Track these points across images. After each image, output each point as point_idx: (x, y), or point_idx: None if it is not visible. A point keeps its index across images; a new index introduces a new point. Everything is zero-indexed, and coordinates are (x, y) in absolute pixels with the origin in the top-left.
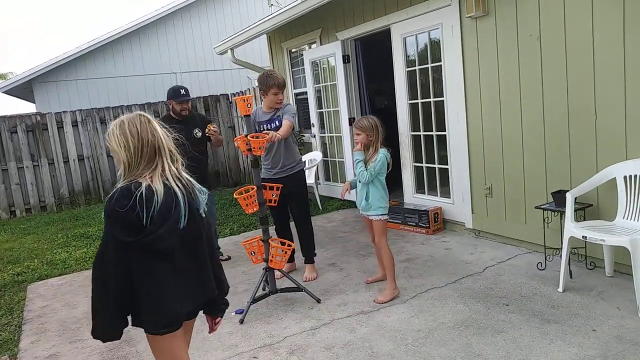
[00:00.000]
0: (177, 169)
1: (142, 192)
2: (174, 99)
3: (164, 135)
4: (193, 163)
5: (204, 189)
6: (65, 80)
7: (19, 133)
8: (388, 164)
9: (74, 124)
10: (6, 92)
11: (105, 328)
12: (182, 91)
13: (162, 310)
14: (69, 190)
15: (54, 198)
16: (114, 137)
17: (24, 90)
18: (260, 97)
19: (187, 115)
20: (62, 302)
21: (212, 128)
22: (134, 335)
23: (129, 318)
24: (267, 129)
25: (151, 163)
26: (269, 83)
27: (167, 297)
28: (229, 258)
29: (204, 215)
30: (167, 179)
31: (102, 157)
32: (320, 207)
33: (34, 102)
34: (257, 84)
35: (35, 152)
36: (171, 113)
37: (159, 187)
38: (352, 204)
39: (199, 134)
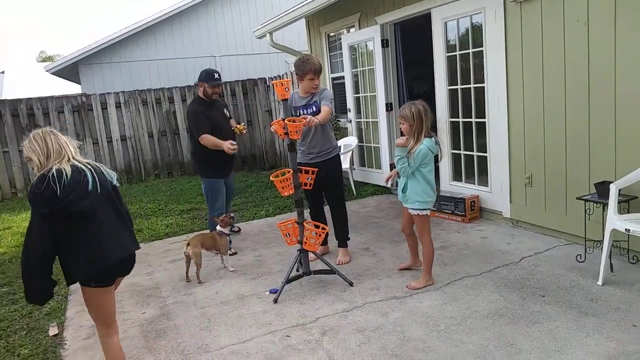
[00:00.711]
0: (77, 157)
1: (53, 173)
2: (208, 82)
3: (67, 141)
4: (233, 140)
5: (111, 172)
6: (109, 62)
7: (65, 113)
8: (435, 156)
9: (117, 105)
10: (54, 74)
11: (38, 293)
12: (216, 75)
13: (92, 261)
14: (112, 169)
15: None
16: (27, 146)
17: (70, 71)
18: (297, 82)
19: (215, 98)
20: None
21: (242, 129)
22: (173, 309)
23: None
24: (304, 114)
25: (58, 158)
26: (305, 68)
27: (96, 250)
28: (239, 230)
29: (116, 185)
30: (74, 163)
31: (143, 138)
32: (355, 193)
33: (80, 84)
34: (293, 69)
35: (80, 132)
36: (201, 95)
37: (67, 168)
38: (386, 190)
39: (228, 114)
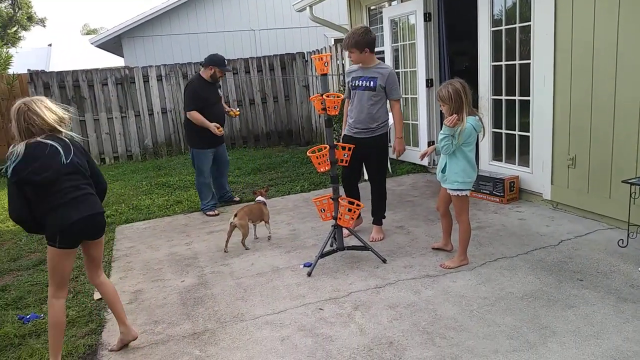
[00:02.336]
0: (57, 134)
1: (11, 151)
2: (220, 67)
3: (44, 114)
4: (222, 116)
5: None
6: (151, 35)
7: (109, 85)
8: (477, 134)
9: (159, 78)
10: (98, 46)
11: (18, 212)
12: (226, 62)
13: (56, 221)
14: (152, 142)
15: (139, 148)
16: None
17: (113, 44)
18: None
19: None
20: (145, 244)
21: (236, 114)
22: (210, 279)
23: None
24: (358, 85)
25: (29, 135)
26: (344, 43)
27: (60, 213)
28: (240, 200)
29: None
30: (41, 140)
31: (183, 111)
32: (390, 171)
33: (123, 57)
34: (333, 42)
35: (123, 104)
36: (205, 77)
37: (19, 147)
38: (422, 168)
39: (220, 93)
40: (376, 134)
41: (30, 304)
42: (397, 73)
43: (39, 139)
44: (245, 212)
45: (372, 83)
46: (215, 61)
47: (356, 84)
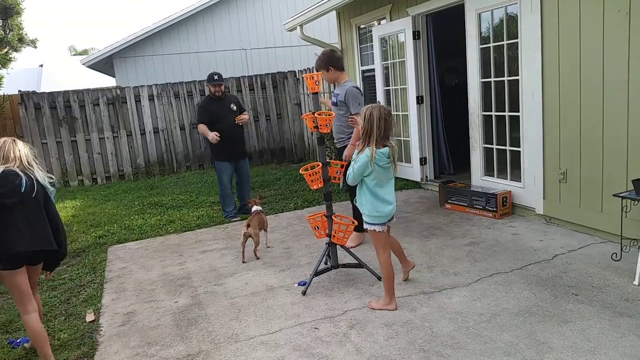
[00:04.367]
0: (27, 165)
1: None
2: (209, 83)
3: (20, 150)
4: (234, 129)
5: (49, 176)
6: (142, 55)
7: (100, 105)
8: (381, 167)
9: (150, 98)
10: (89, 67)
11: None
12: (216, 77)
13: (3, 245)
14: (145, 161)
15: (132, 167)
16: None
17: (105, 64)
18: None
19: (221, 95)
20: (138, 265)
21: (244, 118)
22: (204, 299)
23: None
24: (332, 101)
25: (6, 162)
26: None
27: (7, 237)
28: None
29: (49, 188)
30: (14, 168)
31: (175, 131)
32: None
33: (114, 77)
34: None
35: (115, 124)
36: (208, 93)
37: None
38: (415, 184)
39: (235, 108)
40: (345, 144)
41: (20, 328)
42: (387, 90)
43: (11, 166)
44: (256, 221)
45: (335, 98)
46: (207, 79)
47: (332, 100)
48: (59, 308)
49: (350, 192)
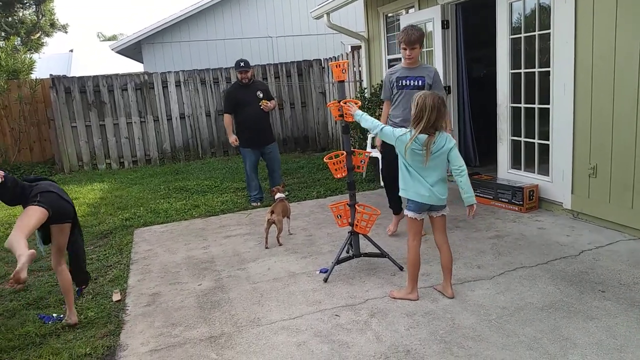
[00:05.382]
0: None
1: None
2: (235, 69)
3: None
4: (259, 116)
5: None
6: (170, 41)
7: (128, 91)
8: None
9: (177, 84)
10: (118, 52)
11: None
12: (242, 63)
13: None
14: (171, 146)
15: (158, 152)
16: None
17: (133, 50)
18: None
19: (247, 82)
20: (163, 248)
21: (267, 104)
22: (227, 283)
23: None
24: (406, 84)
25: None
26: (399, 37)
27: None
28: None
29: None
30: None
31: (201, 117)
32: None
33: (142, 62)
34: (349, 50)
35: (142, 109)
36: (236, 79)
37: None
38: None
39: (261, 95)
40: None
41: (50, 304)
42: None
43: None
44: (280, 208)
45: (420, 82)
46: (234, 66)
47: (403, 84)
48: (87, 287)
49: (393, 178)
